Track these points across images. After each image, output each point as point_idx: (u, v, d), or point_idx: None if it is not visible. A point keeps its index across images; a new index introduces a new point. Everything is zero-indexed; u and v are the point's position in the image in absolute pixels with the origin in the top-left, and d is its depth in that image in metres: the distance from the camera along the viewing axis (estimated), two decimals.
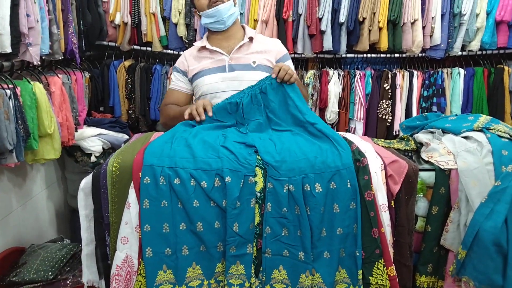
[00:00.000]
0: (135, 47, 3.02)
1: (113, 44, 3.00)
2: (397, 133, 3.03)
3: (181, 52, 2.82)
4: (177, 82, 2.02)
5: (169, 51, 2.99)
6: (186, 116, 1.69)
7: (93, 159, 2.46)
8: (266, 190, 1.35)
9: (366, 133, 3.06)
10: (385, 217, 1.39)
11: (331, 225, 1.35)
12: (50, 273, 1.88)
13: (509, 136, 1.55)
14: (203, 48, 1.95)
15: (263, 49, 1.95)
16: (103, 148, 2.51)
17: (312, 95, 3.04)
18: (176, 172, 1.33)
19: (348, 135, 1.67)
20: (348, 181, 1.36)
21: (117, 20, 2.89)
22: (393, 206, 1.43)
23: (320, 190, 1.34)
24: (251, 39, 1.94)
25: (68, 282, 1.89)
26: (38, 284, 1.86)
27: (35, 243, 2.16)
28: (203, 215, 1.31)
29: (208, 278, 1.32)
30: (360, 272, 1.34)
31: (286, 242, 1.34)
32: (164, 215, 1.30)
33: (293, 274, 1.34)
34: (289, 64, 2.02)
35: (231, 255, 1.30)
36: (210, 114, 1.66)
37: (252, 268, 1.33)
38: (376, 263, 1.37)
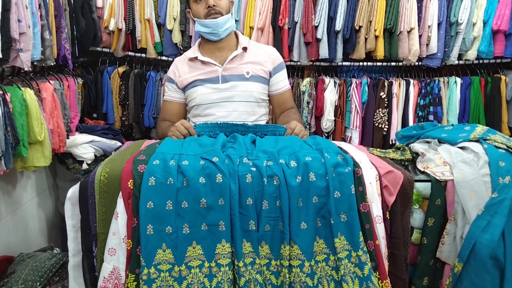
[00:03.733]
0: (130, 53, 3.00)
1: (107, 50, 2.98)
2: (393, 142, 3.01)
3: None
4: (170, 93, 2.00)
5: (163, 58, 2.98)
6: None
7: (84, 166, 2.42)
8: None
9: (362, 141, 3.04)
10: (380, 229, 1.36)
11: (307, 194, 1.32)
12: (38, 283, 1.83)
13: (506, 147, 1.53)
14: (195, 58, 1.92)
15: (257, 60, 1.92)
16: (95, 156, 2.48)
17: (308, 103, 3.02)
18: (186, 156, 1.36)
19: (343, 145, 1.64)
20: (322, 159, 1.37)
21: (112, 26, 2.87)
22: (388, 217, 1.40)
23: (295, 165, 1.35)
24: (244, 49, 1.92)
25: None
26: None
27: (24, 251, 2.12)
28: (208, 191, 1.29)
29: (209, 260, 1.29)
30: (336, 240, 1.31)
31: (267, 216, 1.31)
32: (169, 192, 1.28)
33: (274, 247, 1.32)
34: (284, 73, 1.99)
35: (238, 232, 1.28)
36: (195, 135, 1.65)
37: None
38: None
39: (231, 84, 1.88)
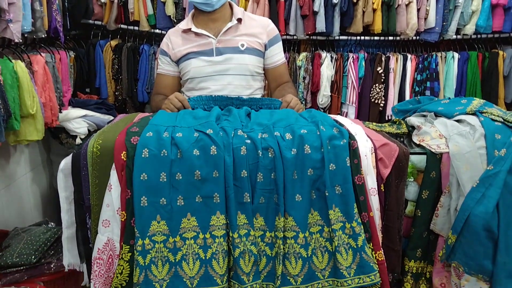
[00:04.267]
0: (122, 26, 2.94)
1: (99, 23, 2.92)
2: (389, 117, 3.00)
3: None
4: (163, 66, 1.96)
5: (157, 31, 2.93)
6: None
7: (78, 141, 2.40)
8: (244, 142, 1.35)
9: (359, 117, 3.03)
10: (374, 201, 1.36)
11: (302, 166, 1.32)
12: (33, 257, 1.84)
13: (502, 120, 1.52)
14: (189, 30, 1.88)
15: (252, 32, 1.88)
16: (88, 130, 2.46)
17: (304, 78, 2.99)
18: (180, 128, 1.34)
19: (338, 118, 1.63)
20: (318, 131, 1.35)
21: None
22: (383, 190, 1.40)
23: (290, 137, 1.34)
24: (239, 20, 1.87)
25: (51, 266, 1.85)
26: (21, 267, 1.82)
27: (19, 226, 2.12)
28: (202, 163, 1.28)
29: (203, 231, 1.29)
30: (330, 212, 1.31)
31: (262, 188, 1.31)
32: (162, 164, 1.27)
33: (269, 219, 1.33)
34: (279, 46, 1.96)
35: (232, 204, 1.28)
36: (189, 108, 1.61)
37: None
38: None
39: (225, 57, 1.84)
